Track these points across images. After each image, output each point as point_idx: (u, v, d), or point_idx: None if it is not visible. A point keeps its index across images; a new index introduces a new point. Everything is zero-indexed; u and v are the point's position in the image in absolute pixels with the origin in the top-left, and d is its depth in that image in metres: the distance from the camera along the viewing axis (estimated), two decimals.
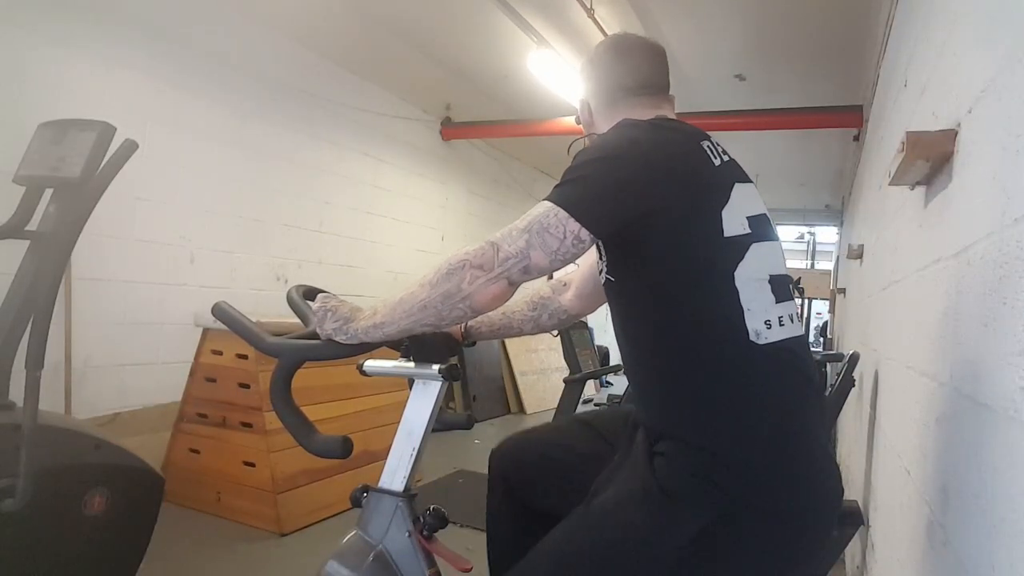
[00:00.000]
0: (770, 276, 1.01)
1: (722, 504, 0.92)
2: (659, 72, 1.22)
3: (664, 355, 1.02)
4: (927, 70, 1.50)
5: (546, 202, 0.95)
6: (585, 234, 0.93)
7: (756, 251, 0.99)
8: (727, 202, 1.00)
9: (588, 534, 1.00)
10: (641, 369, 1.07)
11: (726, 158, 1.07)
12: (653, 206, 0.96)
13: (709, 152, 1.04)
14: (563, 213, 0.93)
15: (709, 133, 1.11)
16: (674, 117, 1.17)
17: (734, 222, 0.99)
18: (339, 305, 1.06)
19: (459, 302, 0.96)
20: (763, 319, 0.97)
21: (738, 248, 0.98)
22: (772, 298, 1.00)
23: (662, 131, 1.05)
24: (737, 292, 0.97)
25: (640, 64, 1.20)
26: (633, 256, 1.00)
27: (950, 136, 1.09)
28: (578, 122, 1.29)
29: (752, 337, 0.96)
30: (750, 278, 0.98)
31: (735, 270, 0.97)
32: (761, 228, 1.03)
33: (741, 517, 0.92)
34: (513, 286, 0.96)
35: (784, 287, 1.03)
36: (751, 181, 1.09)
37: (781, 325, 0.99)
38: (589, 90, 1.24)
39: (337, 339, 1.04)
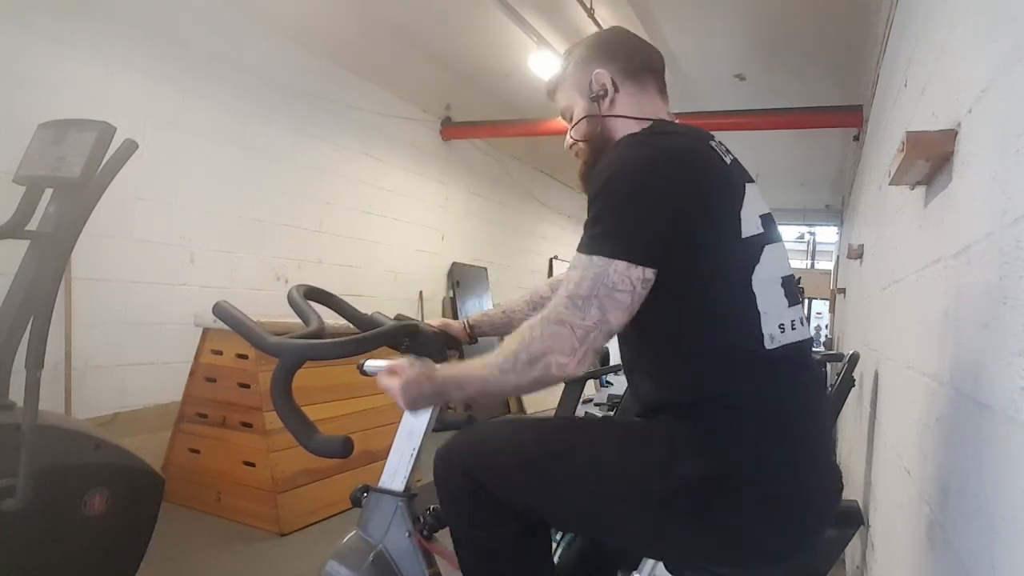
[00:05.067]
0: (781, 278, 1.00)
1: (722, 465, 0.92)
2: (657, 57, 1.18)
3: (678, 356, 1.00)
4: (927, 70, 1.50)
5: (596, 257, 0.92)
6: (650, 273, 0.92)
7: (769, 252, 0.99)
8: (743, 201, 0.98)
9: (591, 437, 1.03)
10: (649, 367, 1.06)
11: (731, 157, 1.06)
12: (688, 217, 0.94)
13: (718, 151, 1.03)
14: (621, 264, 0.90)
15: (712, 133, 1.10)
16: (666, 110, 1.15)
17: (750, 222, 0.98)
18: (413, 366, 1.09)
19: (550, 381, 0.95)
20: (777, 323, 0.97)
21: (754, 249, 0.97)
22: (785, 301, 0.99)
23: (668, 138, 1.01)
24: (755, 296, 0.95)
25: (635, 45, 1.17)
26: None
27: (950, 136, 1.08)
28: (568, 118, 1.17)
29: (767, 343, 0.95)
30: (765, 281, 0.97)
31: (753, 273, 0.96)
32: (770, 228, 1.02)
33: (738, 485, 0.92)
34: (600, 352, 0.96)
35: (793, 289, 1.03)
36: (754, 181, 1.08)
37: (793, 329, 0.99)
38: (617, 66, 1.12)
39: (424, 386, 1.05)
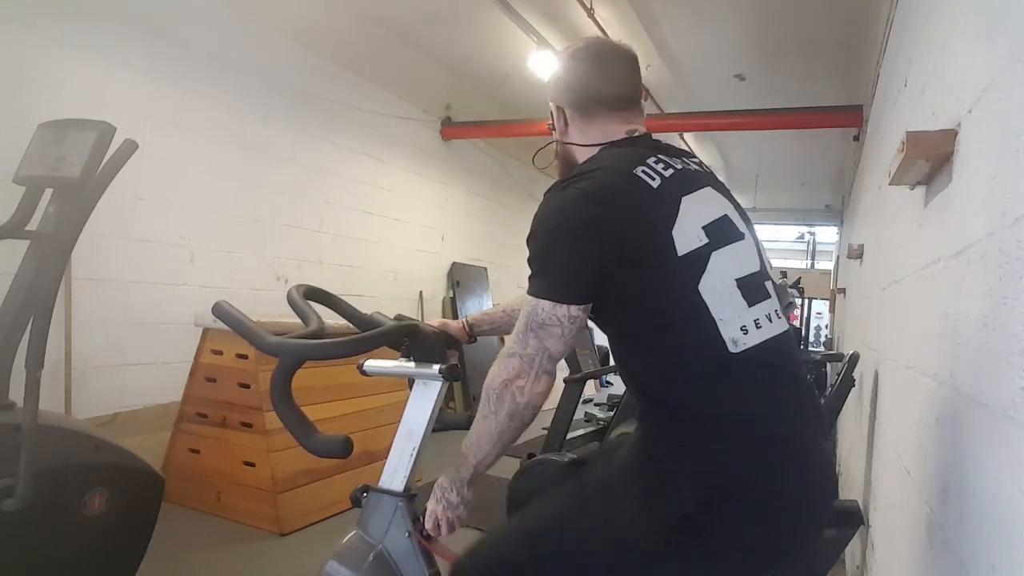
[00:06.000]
0: (737, 280, 1.01)
1: (707, 490, 0.94)
2: (634, 83, 1.20)
3: (649, 376, 1.05)
4: (927, 70, 1.50)
5: (531, 297, 1.03)
6: (575, 310, 1.00)
7: (718, 259, 1.00)
8: (676, 221, 1.00)
9: (578, 506, 1.06)
10: (632, 387, 1.11)
11: (668, 173, 1.05)
12: (614, 254, 0.99)
13: (645, 176, 1.03)
14: (547, 303, 1.00)
15: (654, 145, 1.12)
16: (644, 129, 1.18)
17: (688, 237, 0.99)
18: (437, 492, 1.13)
19: (522, 411, 1.03)
20: (738, 326, 0.98)
21: (697, 262, 0.99)
22: (744, 303, 1.00)
23: (588, 180, 1.04)
24: (706, 305, 0.97)
25: (618, 76, 1.18)
26: (605, 297, 1.02)
27: (950, 136, 1.08)
28: (551, 127, 1.26)
29: (730, 347, 0.97)
30: (716, 287, 0.99)
31: (698, 284, 0.98)
32: (721, 233, 1.03)
33: (725, 506, 0.94)
34: (551, 374, 1.04)
35: (756, 288, 1.03)
36: (705, 185, 1.08)
37: (759, 328, 1.00)
38: (565, 99, 1.20)
39: (457, 493, 1.11)
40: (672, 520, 0.94)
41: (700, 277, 0.98)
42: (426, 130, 5.86)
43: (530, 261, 1.05)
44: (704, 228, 1.01)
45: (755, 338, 0.98)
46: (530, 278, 1.04)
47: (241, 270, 4.04)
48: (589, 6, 3.93)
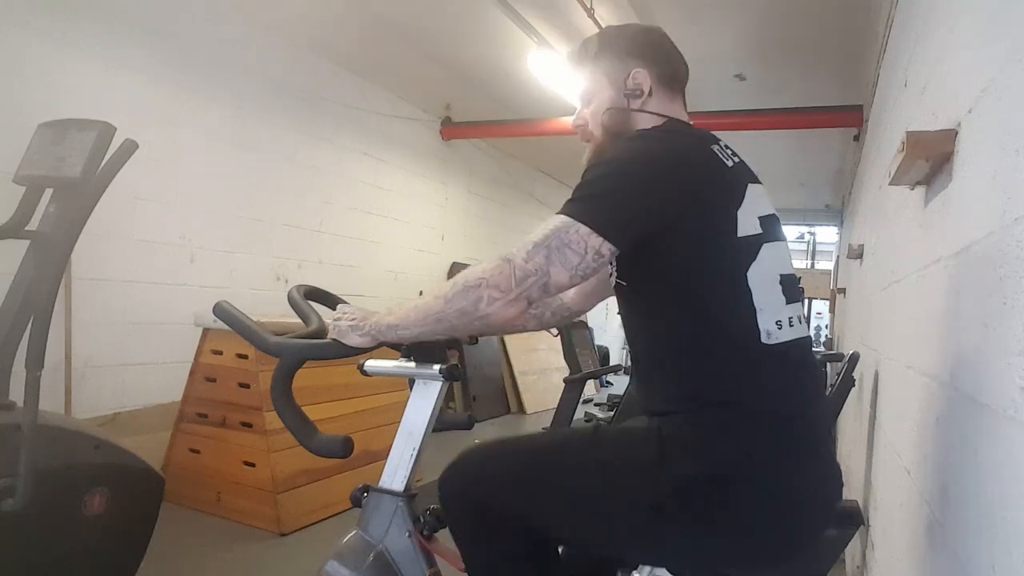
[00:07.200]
0: (780, 276, 1.02)
1: (716, 464, 0.94)
2: (685, 69, 1.21)
3: (676, 354, 1.02)
4: (927, 70, 1.50)
5: (563, 216, 0.93)
6: (607, 248, 0.92)
7: (768, 251, 1.00)
8: (742, 202, 1.00)
9: (584, 442, 1.05)
10: (652, 366, 1.07)
11: (736, 159, 1.07)
12: (672, 214, 0.96)
13: (720, 154, 1.05)
14: (583, 228, 0.91)
15: (717, 136, 1.11)
16: (686, 118, 1.18)
17: (747, 222, 1.00)
18: (354, 310, 1.09)
19: (475, 320, 0.94)
20: (774, 319, 0.98)
21: (751, 248, 0.99)
22: (783, 299, 1.01)
23: (674, 136, 1.05)
24: (750, 292, 0.97)
25: (672, 53, 1.19)
26: (649, 261, 1.00)
27: (950, 136, 1.09)
28: (628, 93, 1.17)
29: (763, 338, 0.97)
30: (762, 278, 0.99)
31: (747, 270, 0.98)
32: (771, 228, 1.03)
33: (735, 484, 0.93)
34: (530, 303, 0.94)
35: (793, 288, 1.04)
36: (760, 182, 1.09)
37: (791, 326, 1.00)
38: (651, 63, 1.15)
39: (352, 336, 1.05)
40: (678, 482, 0.93)
41: (750, 264, 0.98)
42: (426, 130, 5.86)
43: (580, 186, 0.96)
44: (760, 219, 1.02)
45: (786, 335, 0.99)
46: (572, 200, 0.95)
47: (241, 270, 4.04)
48: (589, 6, 3.93)
